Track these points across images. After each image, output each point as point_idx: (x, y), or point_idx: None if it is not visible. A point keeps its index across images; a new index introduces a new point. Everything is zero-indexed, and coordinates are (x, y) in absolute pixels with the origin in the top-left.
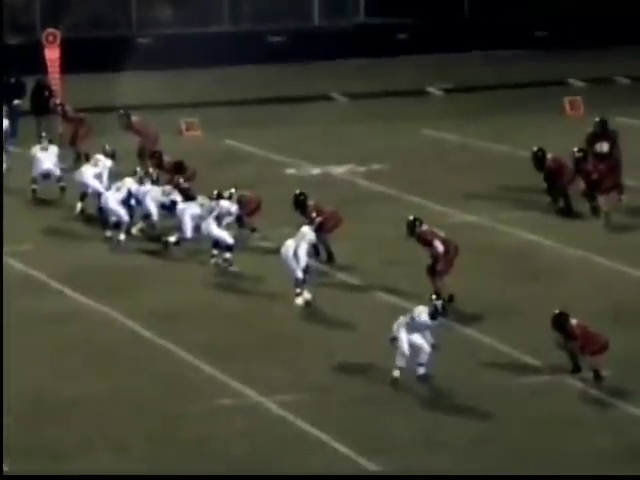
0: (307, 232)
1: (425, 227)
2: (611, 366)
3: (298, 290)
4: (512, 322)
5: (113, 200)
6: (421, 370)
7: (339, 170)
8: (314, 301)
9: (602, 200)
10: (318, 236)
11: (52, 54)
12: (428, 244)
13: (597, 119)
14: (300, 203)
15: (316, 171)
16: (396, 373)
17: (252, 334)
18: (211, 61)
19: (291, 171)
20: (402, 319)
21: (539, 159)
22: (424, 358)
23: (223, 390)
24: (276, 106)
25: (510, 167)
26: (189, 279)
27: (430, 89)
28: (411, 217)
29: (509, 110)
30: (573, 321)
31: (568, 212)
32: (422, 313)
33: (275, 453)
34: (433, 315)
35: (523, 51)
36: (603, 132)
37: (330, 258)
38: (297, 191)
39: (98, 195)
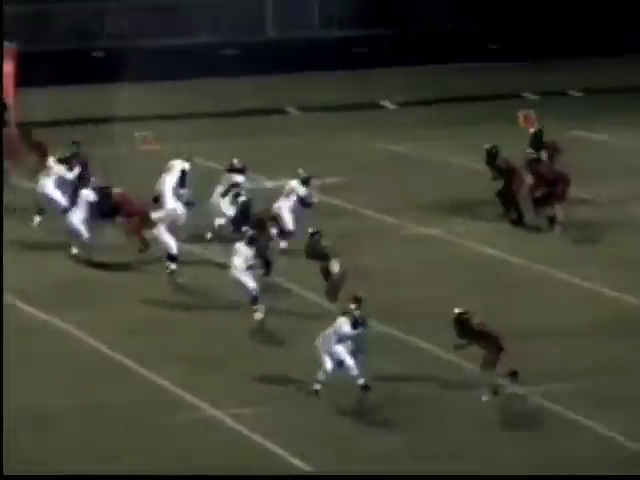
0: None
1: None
2: (573, 376)
3: (254, 307)
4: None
5: (77, 218)
6: (360, 381)
7: (279, 184)
8: (269, 314)
9: (558, 210)
10: (262, 247)
11: (7, 68)
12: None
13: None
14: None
15: (270, 184)
16: (316, 386)
17: (208, 347)
18: (165, 74)
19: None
20: (325, 333)
21: (492, 156)
22: (356, 369)
23: (179, 403)
24: (230, 119)
25: (464, 179)
26: (151, 293)
27: (384, 102)
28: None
29: (463, 123)
30: (475, 320)
31: (519, 222)
32: (343, 324)
33: (229, 465)
34: (354, 325)
35: (477, 64)
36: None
37: (268, 271)
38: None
39: (62, 210)
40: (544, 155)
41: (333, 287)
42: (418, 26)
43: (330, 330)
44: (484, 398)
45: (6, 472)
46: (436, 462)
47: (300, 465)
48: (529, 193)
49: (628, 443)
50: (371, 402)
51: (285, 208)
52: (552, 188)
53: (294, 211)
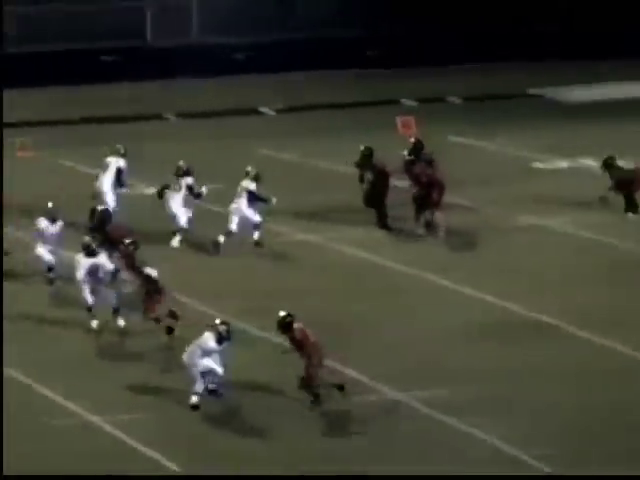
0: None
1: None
2: (456, 381)
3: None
4: (346, 341)
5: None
6: (212, 386)
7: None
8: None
9: (439, 216)
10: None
11: None
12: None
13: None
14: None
15: (150, 191)
16: (194, 399)
17: (88, 353)
18: (43, 81)
19: (124, 190)
20: (191, 348)
21: (365, 157)
22: (215, 379)
23: (55, 409)
24: (109, 126)
25: (343, 186)
26: (25, 301)
27: (264, 109)
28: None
29: (342, 129)
30: (297, 325)
31: (383, 226)
32: (208, 340)
33: (105, 470)
34: (219, 340)
35: (356, 70)
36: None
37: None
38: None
39: None
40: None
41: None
42: (298, 33)
43: (194, 345)
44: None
45: (6, 472)
46: (310, 465)
47: (177, 470)
48: (412, 198)
49: (507, 448)
50: (246, 409)
51: (242, 207)
52: (428, 193)
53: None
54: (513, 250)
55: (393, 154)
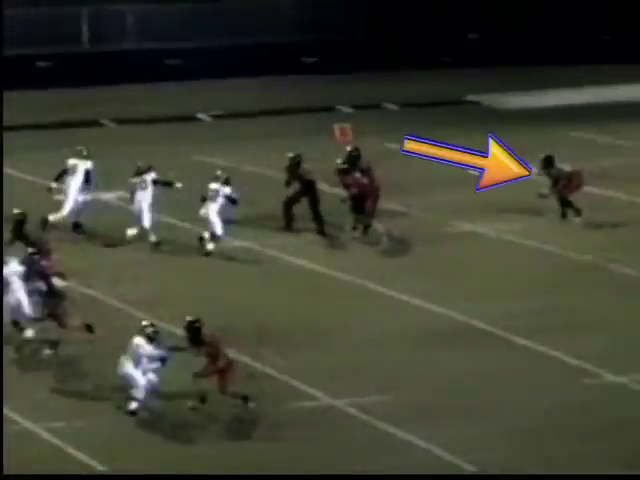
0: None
1: None
2: (394, 388)
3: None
4: (283, 347)
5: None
6: (132, 405)
7: (108, 196)
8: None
9: (377, 222)
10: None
11: None
12: None
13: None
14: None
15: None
16: (133, 405)
17: (25, 360)
18: None
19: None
20: (125, 356)
21: (295, 164)
22: (141, 393)
23: None
24: (43, 131)
25: (281, 192)
26: None
27: (201, 115)
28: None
29: (280, 135)
30: (205, 330)
31: (321, 232)
32: (140, 345)
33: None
34: (149, 341)
35: (292, 77)
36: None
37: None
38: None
39: None
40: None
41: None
42: (234, 39)
43: (128, 352)
44: (189, 404)
45: (6, 472)
46: (242, 471)
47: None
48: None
49: (445, 455)
50: (178, 414)
51: (213, 211)
52: (361, 201)
53: (221, 213)
54: (450, 257)
55: (331, 161)
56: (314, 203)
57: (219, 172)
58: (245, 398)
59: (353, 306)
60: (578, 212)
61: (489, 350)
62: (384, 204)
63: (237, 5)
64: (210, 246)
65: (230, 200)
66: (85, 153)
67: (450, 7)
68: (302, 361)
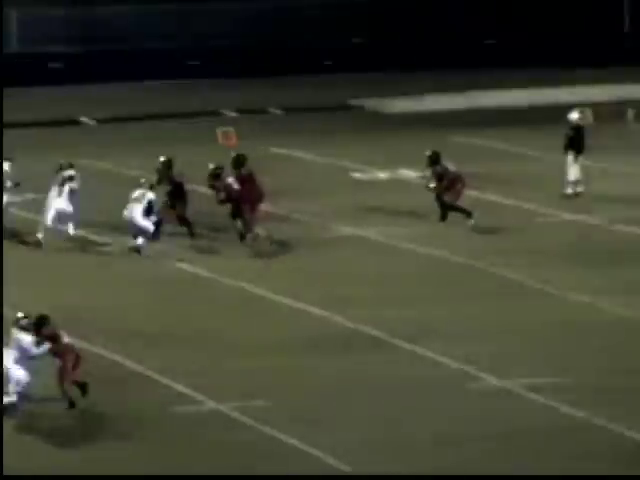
0: None
1: None
2: (268, 395)
3: None
4: (165, 352)
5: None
6: (12, 398)
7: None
8: None
9: (259, 229)
10: None
11: None
12: None
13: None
14: None
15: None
16: (5, 400)
17: None
18: None
19: None
20: (8, 350)
21: (166, 167)
22: (19, 387)
23: None
24: None
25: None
26: None
27: (84, 119)
28: None
29: (162, 140)
30: (50, 326)
31: (191, 234)
32: (22, 338)
33: None
34: (26, 332)
35: (175, 81)
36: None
37: None
38: None
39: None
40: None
41: None
42: (119, 44)
43: (12, 346)
44: (66, 407)
45: (6, 472)
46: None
47: None
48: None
49: (330, 460)
50: (51, 416)
51: (137, 212)
52: (238, 206)
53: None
54: (334, 261)
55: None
56: (182, 206)
57: (143, 180)
58: (83, 387)
59: (235, 310)
60: (469, 214)
61: (375, 356)
62: (270, 208)
63: (119, 11)
64: (139, 241)
65: (150, 207)
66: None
67: (335, 13)
68: (185, 366)
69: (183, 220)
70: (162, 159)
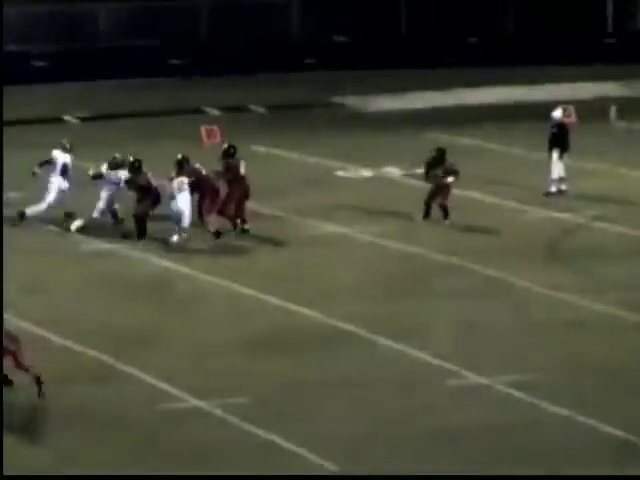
0: None
1: None
2: (247, 393)
3: None
4: (150, 350)
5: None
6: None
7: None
8: None
9: (211, 220)
10: None
11: None
12: None
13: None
14: None
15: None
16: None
17: None
18: None
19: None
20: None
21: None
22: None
23: None
24: None
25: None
26: None
27: (67, 117)
28: None
29: (145, 138)
30: None
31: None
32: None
33: None
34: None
35: (158, 79)
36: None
37: None
38: None
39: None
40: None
41: None
42: (99, 41)
43: None
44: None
45: (6, 472)
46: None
47: None
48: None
49: (314, 458)
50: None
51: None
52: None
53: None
54: (316, 258)
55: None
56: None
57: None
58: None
59: (209, 307)
60: (446, 214)
61: (356, 352)
62: (255, 205)
63: (102, 8)
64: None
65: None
66: (67, 146)
67: (316, 9)
68: (162, 362)
69: (141, 219)
70: (131, 158)
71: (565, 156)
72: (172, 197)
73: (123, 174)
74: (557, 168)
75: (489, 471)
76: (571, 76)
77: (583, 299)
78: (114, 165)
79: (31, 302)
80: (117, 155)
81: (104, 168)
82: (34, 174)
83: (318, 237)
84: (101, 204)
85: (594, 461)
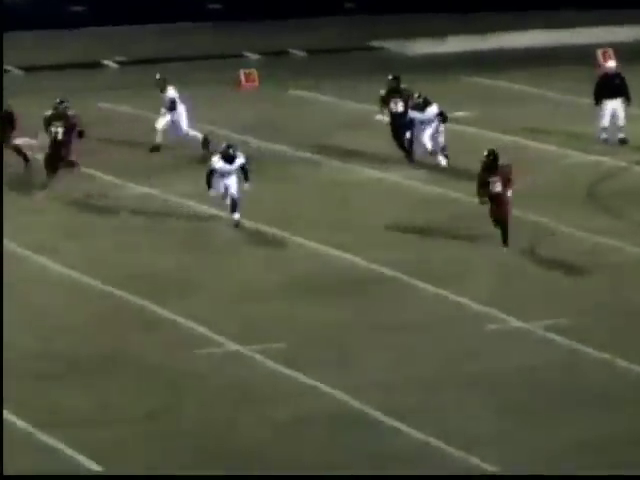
0: None
1: None
2: (286, 338)
3: None
4: (191, 296)
5: None
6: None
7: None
8: None
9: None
10: None
11: None
12: None
13: (390, 77)
14: None
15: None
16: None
17: None
18: None
19: None
20: None
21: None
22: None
23: None
24: None
25: (185, 140)
26: None
27: (106, 62)
28: None
29: (184, 83)
30: None
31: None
32: None
33: None
34: None
35: (198, 23)
36: (397, 90)
37: None
38: None
39: None
40: (400, 105)
41: None
42: None
43: None
44: None
45: (6, 472)
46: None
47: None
48: None
49: (352, 401)
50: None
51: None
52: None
53: None
54: (354, 203)
55: (239, 117)
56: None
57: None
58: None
59: (256, 254)
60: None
61: (393, 296)
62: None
63: None
64: None
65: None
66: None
67: None
68: (204, 309)
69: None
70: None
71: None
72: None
73: None
74: (620, 116)
75: (527, 417)
76: (612, 19)
77: (623, 243)
78: None
79: (74, 248)
80: None
81: None
82: None
83: (357, 181)
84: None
85: (633, 404)
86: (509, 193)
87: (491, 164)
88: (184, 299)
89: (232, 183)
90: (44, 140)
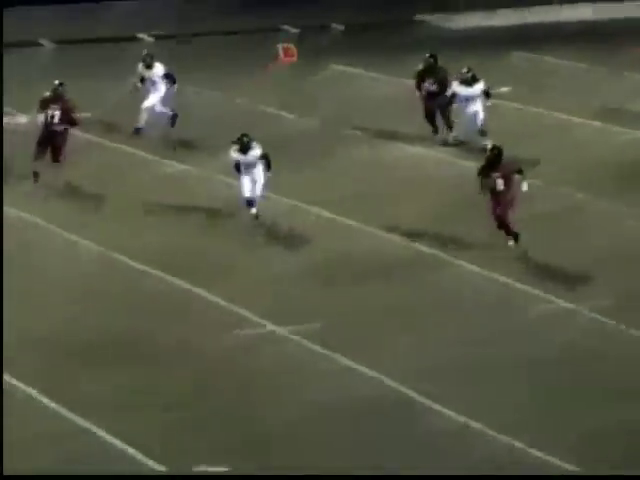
0: None
1: None
2: (325, 319)
3: None
4: (225, 277)
5: None
6: None
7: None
8: None
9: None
10: None
11: None
12: None
13: (427, 54)
14: None
15: (24, 120)
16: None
17: None
18: None
19: None
20: None
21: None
22: None
23: None
24: None
25: (227, 114)
26: None
27: (141, 35)
28: None
29: (223, 57)
30: None
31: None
32: None
33: None
34: None
35: None
36: (432, 69)
37: None
38: None
39: None
40: (434, 86)
41: None
42: None
43: None
44: None
45: (6, 472)
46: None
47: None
48: None
49: (391, 382)
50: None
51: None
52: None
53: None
54: (395, 180)
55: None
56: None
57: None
58: None
59: (303, 230)
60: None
61: (436, 275)
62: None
63: None
64: None
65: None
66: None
67: None
68: (241, 292)
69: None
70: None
71: None
72: None
73: None
74: None
75: (573, 399)
76: None
77: None
78: None
79: (108, 227)
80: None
81: None
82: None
83: (399, 158)
84: None
85: None
86: (510, 193)
87: (494, 159)
88: (218, 280)
89: (255, 175)
90: (39, 121)
